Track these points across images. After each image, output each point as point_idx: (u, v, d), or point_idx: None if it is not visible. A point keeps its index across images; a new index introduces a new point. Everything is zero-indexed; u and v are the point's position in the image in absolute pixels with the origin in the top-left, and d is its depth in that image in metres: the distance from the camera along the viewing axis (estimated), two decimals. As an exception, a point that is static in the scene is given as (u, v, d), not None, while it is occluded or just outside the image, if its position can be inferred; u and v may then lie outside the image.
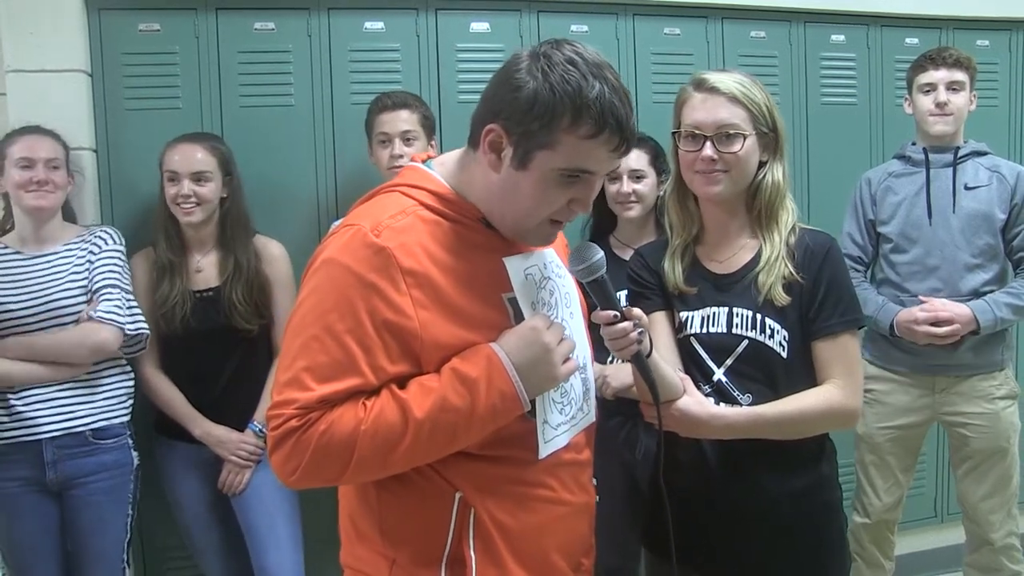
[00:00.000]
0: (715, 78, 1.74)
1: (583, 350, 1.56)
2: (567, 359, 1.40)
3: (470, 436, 1.34)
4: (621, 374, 2.35)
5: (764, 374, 1.75)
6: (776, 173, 1.77)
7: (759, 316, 1.74)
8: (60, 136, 2.55)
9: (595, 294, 1.48)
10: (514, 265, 1.43)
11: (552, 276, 1.52)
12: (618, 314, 1.45)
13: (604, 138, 1.30)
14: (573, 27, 3.15)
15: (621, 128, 1.31)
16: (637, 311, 1.49)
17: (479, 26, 3.07)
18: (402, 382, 1.33)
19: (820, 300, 1.73)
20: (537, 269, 1.48)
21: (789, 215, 1.79)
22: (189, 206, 2.56)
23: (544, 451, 1.43)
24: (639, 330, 1.47)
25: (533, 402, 1.40)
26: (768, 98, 1.75)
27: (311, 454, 1.29)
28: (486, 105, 1.38)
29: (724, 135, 1.71)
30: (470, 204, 1.42)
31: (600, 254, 1.46)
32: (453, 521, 1.38)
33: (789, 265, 1.73)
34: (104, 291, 2.45)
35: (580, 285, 1.55)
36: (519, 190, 1.36)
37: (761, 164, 1.77)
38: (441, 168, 1.47)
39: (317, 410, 1.29)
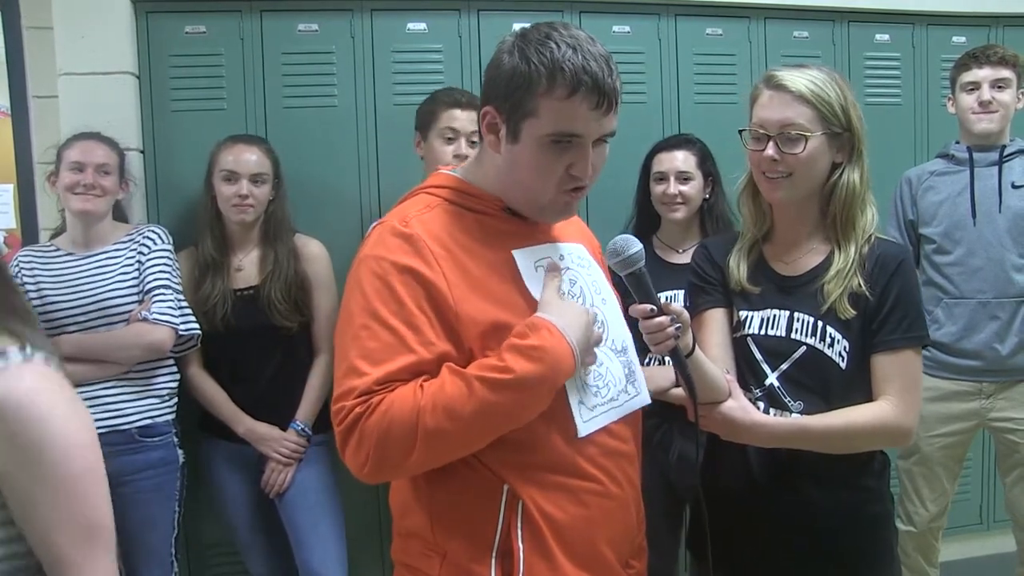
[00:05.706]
0: (784, 75, 1.66)
1: (621, 334, 1.58)
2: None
3: (537, 402, 1.35)
4: (658, 376, 2.30)
5: (819, 383, 1.69)
6: (852, 175, 1.69)
7: (820, 323, 1.68)
8: (117, 143, 2.59)
9: (632, 287, 1.48)
10: (522, 257, 1.47)
11: (572, 267, 1.54)
12: (655, 308, 1.45)
13: (581, 97, 1.35)
14: (615, 28, 3.14)
15: (598, 86, 1.35)
16: (676, 307, 1.48)
17: (521, 27, 3.07)
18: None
19: (885, 313, 1.66)
20: (550, 261, 1.50)
21: (868, 221, 1.71)
22: (246, 206, 2.59)
23: (583, 430, 1.44)
24: (676, 325, 1.46)
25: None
26: (846, 96, 1.67)
27: (377, 437, 1.30)
28: (482, 96, 1.46)
29: (787, 136, 1.65)
30: (491, 195, 1.48)
31: (638, 247, 1.47)
32: (502, 513, 1.40)
33: (859, 277, 1.67)
34: (157, 292, 2.48)
35: (617, 279, 1.56)
36: (519, 164, 1.42)
37: (836, 166, 1.70)
38: (462, 169, 1.56)
39: (377, 393, 1.31)
